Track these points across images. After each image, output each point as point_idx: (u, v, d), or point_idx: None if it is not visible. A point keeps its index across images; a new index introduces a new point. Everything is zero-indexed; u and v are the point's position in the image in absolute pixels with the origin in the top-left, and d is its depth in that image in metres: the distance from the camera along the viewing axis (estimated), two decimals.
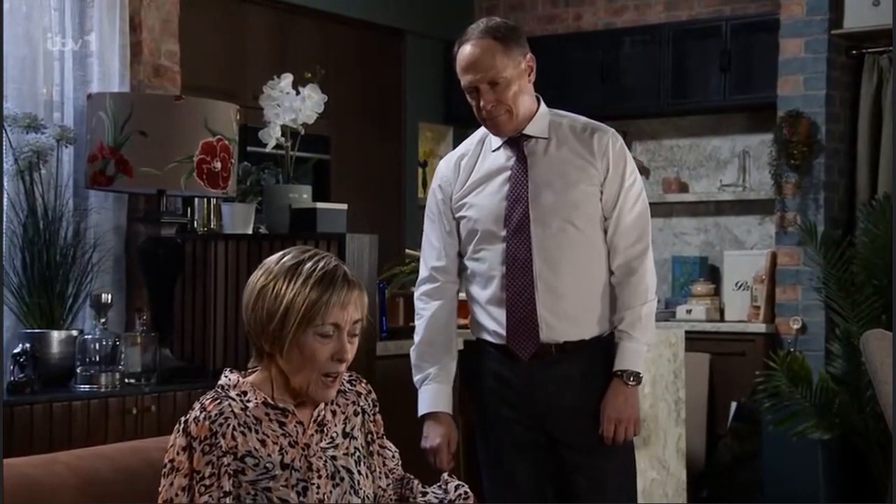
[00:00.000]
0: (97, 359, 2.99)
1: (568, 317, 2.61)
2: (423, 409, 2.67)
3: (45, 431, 2.76)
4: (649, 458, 4.23)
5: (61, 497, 1.94)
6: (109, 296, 3.09)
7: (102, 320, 3.05)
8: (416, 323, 2.74)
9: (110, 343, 3.02)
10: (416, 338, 2.72)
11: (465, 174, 2.70)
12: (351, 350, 1.91)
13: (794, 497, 4.56)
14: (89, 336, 3.03)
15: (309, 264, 1.89)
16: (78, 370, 2.99)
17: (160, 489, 1.87)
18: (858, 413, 4.65)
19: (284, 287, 1.87)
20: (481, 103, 2.60)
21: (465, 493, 2.05)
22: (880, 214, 4.81)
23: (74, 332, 3.09)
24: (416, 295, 2.77)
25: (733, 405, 4.92)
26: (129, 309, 3.41)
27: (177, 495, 1.84)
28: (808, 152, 5.00)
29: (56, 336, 3.06)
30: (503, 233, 2.61)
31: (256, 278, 1.92)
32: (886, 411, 2.97)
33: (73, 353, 3.02)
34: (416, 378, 2.71)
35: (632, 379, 2.65)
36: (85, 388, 2.96)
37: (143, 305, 3.34)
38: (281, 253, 1.94)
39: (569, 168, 2.64)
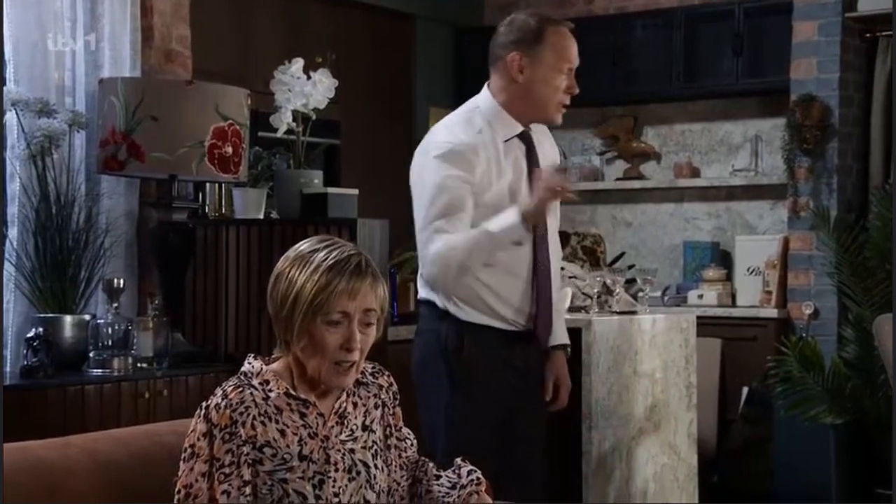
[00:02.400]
0: (110, 343, 3.00)
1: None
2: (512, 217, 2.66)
3: (59, 415, 2.77)
4: (660, 443, 4.23)
5: (76, 480, 1.94)
6: (122, 280, 3.10)
7: (115, 305, 3.06)
8: (446, 245, 2.67)
9: (123, 327, 3.03)
10: (456, 242, 2.66)
11: (486, 165, 2.74)
12: (364, 340, 1.90)
13: (805, 482, 4.55)
14: (102, 321, 3.04)
15: (322, 253, 1.89)
16: (91, 354, 3.00)
17: (179, 473, 1.87)
18: (870, 398, 4.63)
19: (296, 274, 1.87)
20: (567, 86, 2.77)
21: (478, 478, 2.05)
22: (893, 198, 4.78)
23: (87, 317, 3.10)
24: (434, 248, 2.70)
25: (745, 390, 4.91)
26: (140, 294, 3.42)
27: (196, 481, 1.84)
28: (820, 136, 4.97)
29: (69, 320, 3.07)
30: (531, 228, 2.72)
31: (278, 265, 1.93)
32: None
33: (85, 337, 3.03)
34: (480, 234, 2.68)
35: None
36: (98, 372, 2.97)
37: (154, 290, 3.35)
38: (303, 241, 1.94)
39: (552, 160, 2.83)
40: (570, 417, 3.90)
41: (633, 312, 4.26)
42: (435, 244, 2.69)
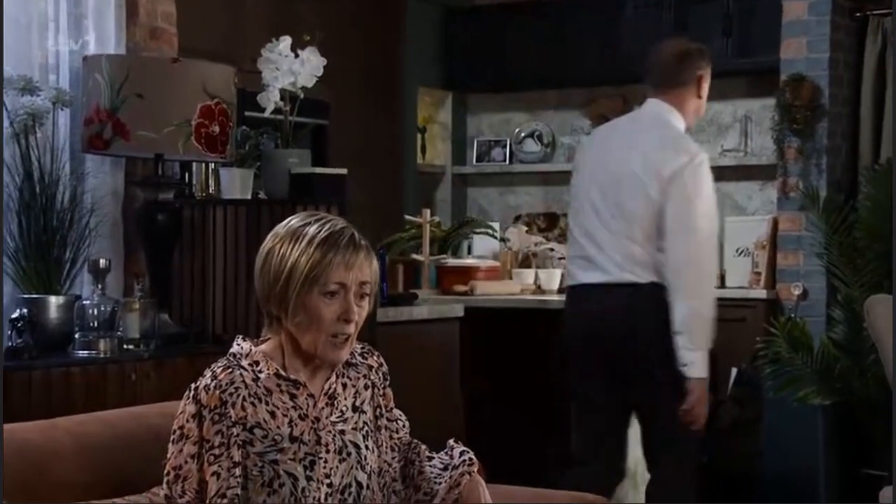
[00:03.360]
0: (95, 324, 2.96)
1: None
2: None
3: (44, 397, 2.74)
4: None
5: (62, 462, 1.92)
6: (107, 261, 3.06)
7: (100, 285, 3.02)
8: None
9: (109, 308, 2.99)
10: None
11: None
12: (359, 312, 1.89)
13: (794, 462, 4.55)
14: (87, 301, 3.00)
15: (315, 227, 1.88)
16: (76, 336, 2.97)
17: (168, 455, 1.85)
18: (859, 378, 4.63)
19: (289, 248, 1.86)
20: None
21: (470, 459, 2.04)
22: (883, 179, 4.77)
23: (72, 298, 3.06)
24: None
25: (734, 371, 4.90)
26: (127, 274, 3.38)
27: (186, 462, 1.83)
28: (810, 116, 4.95)
29: (54, 301, 3.04)
30: None
31: (265, 244, 1.91)
32: (888, 373, 2.95)
33: (71, 318, 3.00)
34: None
35: None
36: (83, 353, 2.94)
37: (141, 271, 3.32)
38: (290, 218, 1.93)
39: None
40: (559, 398, 3.90)
41: None
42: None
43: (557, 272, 4.28)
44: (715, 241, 3.33)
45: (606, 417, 3.31)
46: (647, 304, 3.15)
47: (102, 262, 3.03)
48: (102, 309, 2.98)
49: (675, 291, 3.13)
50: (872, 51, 4.99)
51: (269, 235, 1.92)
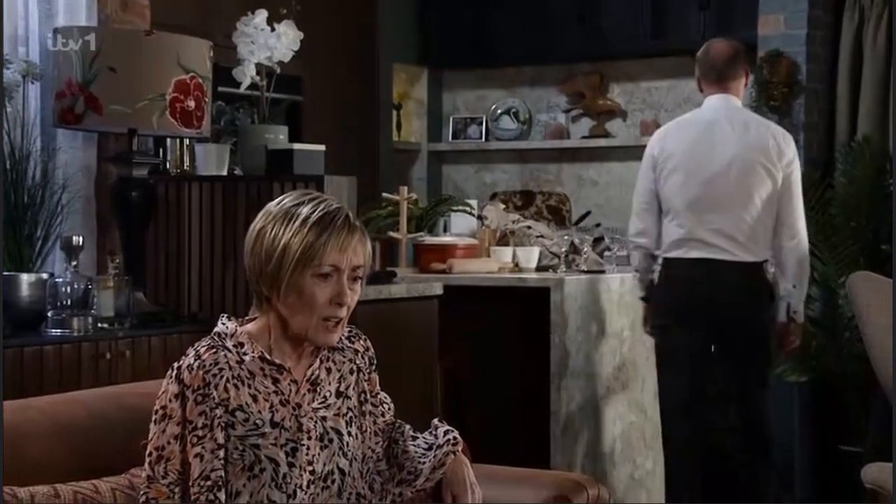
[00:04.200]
0: (69, 303, 2.90)
1: None
2: None
3: (16, 377, 2.69)
4: (627, 402, 4.22)
5: (36, 443, 1.88)
6: (80, 238, 3.00)
7: (73, 263, 2.97)
8: None
9: (82, 287, 2.94)
10: None
11: None
12: (352, 296, 1.85)
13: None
14: (60, 279, 2.94)
15: (308, 206, 1.84)
16: (49, 314, 2.91)
17: (150, 436, 1.81)
18: (835, 355, 4.65)
19: (282, 228, 1.82)
20: None
21: (455, 438, 2.01)
22: (859, 155, 4.78)
23: (44, 276, 3.00)
24: None
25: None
26: (100, 252, 3.33)
27: (169, 443, 1.79)
28: (788, 93, 4.94)
29: (25, 279, 2.97)
30: None
31: (256, 222, 1.87)
32: (870, 352, 2.95)
33: (43, 296, 2.94)
34: None
35: None
36: (56, 332, 2.89)
37: (115, 248, 3.26)
38: (282, 196, 1.89)
39: None
40: (537, 378, 3.88)
41: (601, 272, 4.23)
42: None
43: (535, 250, 4.26)
44: None
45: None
46: (755, 280, 3.79)
47: (76, 239, 2.97)
48: (76, 287, 2.92)
49: (796, 251, 3.82)
50: (850, 27, 4.99)
51: (261, 214, 1.87)
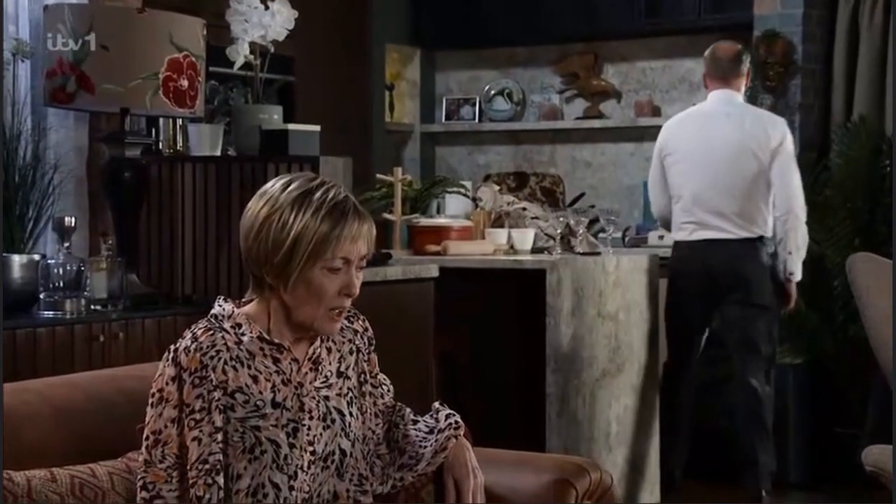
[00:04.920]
0: (61, 284, 2.87)
1: None
2: None
3: (8, 359, 2.65)
4: (623, 385, 4.21)
5: (34, 426, 1.86)
6: (73, 219, 2.96)
7: (66, 244, 2.93)
8: None
9: (75, 268, 2.90)
10: None
11: None
12: (357, 285, 1.82)
13: None
14: (52, 261, 2.90)
15: (318, 194, 1.78)
16: (41, 296, 2.87)
17: (147, 419, 1.78)
18: (831, 338, 4.65)
19: (293, 218, 1.77)
20: None
21: (456, 422, 1.99)
22: (855, 136, 4.76)
23: (37, 257, 2.97)
24: None
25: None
26: (92, 233, 3.29)
27: (165, 427, 1.76)
28: (784, 73, 4.92)
29: (17, 260, 2.93)
30: None
31: (258, 207, 1.80)
32: (870, 333, 2.93)
33: (35, 278, 2.90)
34: None
35: None
36: (49, 314, 2.85)
37: (107, 230, 3.22)
38: (283, 180, 1.82)
39: None
40: (533, 360, 3.86)
41: (597, 253, 4.21)
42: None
43: (531, 232, 4.23)
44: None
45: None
46: (751, 252, 4.23)
47: (68, 220, 2.93)
48: (68, 268, 2.88)
49: (786, 222, 4.20)
50: (846, 7, 4.96)
51: (264, 199, 1.80)
